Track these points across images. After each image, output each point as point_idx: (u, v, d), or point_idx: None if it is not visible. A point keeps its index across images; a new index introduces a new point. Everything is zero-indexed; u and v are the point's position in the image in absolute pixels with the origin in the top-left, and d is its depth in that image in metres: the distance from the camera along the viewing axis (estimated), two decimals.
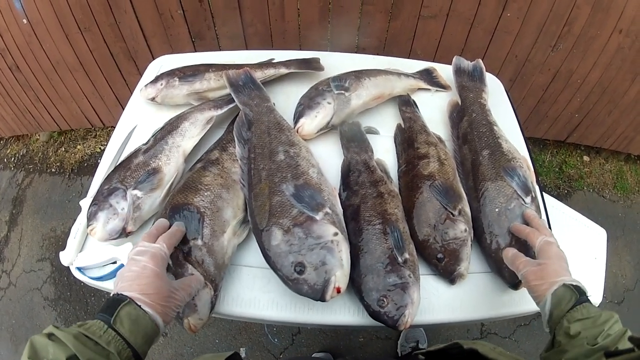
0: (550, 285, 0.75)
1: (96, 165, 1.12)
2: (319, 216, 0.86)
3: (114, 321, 0.61)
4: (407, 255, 0.88)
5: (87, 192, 1.04)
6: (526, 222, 0.94)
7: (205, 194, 0.92)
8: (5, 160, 2.90)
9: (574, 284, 0.74)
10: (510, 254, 0.87)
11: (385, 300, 0.83)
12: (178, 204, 0.90)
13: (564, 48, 2.09)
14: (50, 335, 0.57)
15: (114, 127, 1.22)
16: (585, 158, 2.84)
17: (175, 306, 0.71)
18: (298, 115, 1.13)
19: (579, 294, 0.72)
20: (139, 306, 0.64)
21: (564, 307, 0.72)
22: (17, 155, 2.90)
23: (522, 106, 2.42)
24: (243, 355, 2.06)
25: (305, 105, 1.14)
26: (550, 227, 1.06)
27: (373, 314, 0.84)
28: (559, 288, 0.73)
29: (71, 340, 0.55)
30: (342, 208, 0.97)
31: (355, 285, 0.87)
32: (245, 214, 0.96)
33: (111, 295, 0.67)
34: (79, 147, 2.82)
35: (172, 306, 0.70)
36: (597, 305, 1.17)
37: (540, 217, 0.98)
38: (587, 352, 0.64)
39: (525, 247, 0.91)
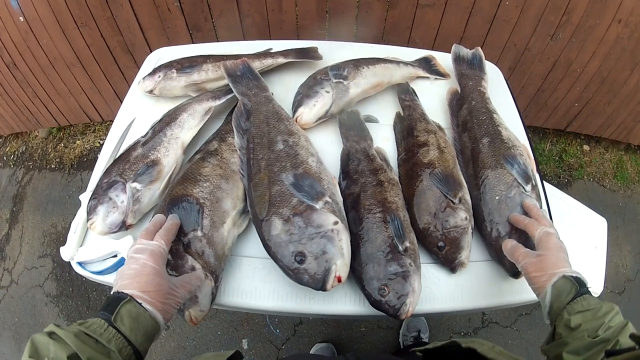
0: (549, 277, 0.75)
1: (96, 159, 1.12)
2: (318, 205, 0.86)
3: (114, 319, 0.61)
4: (407, 244, 0.88)
5: (87, 187, 1.03)
6: (525, 212, 0.94)
7: (205, 184, 0.92)
8: (4, 158, 2.89)
9: (574, 275, 0.74)
10: (510, 246, 0.86)
11: (386, 289, 0.83)
12: (177, 196, 0.90)
13: (562, 37, 2.08)
14: (51, 334, 0.57)
15: (113, 121, 1.21)
16: (585, 147, 2.83)
17: (175, 303, 0.71)
18: (297, 105, 1.13)
19: (579, 285, 0.72)
20: (140, 304, 0.64)
21: (564, 299, 0.71)
22: (16, 152, 2.89)
23: (521, 95, 2.42)
24: (245, 346, 2.07)
25: (304, 94, 1.13)
26: (551, 216, 1.06)
27: (374, 303, 0.84)
28: (558, 280, 0.73)
29: (72, 338, 0.56)
30: (342, 197, 0.96)
31: (356, 274, 0.87)
32: (244, 204, 0.95)
33: (111, 293, 0.67)
34: (78, 142, 2.81)
35: (172, 303, 0.70)
36: (598, 295, 1.17)
37: (541, 206, 0.98)
38: (588, 345, 0.64)
39: (525, 237, 0.91)
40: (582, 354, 0.65)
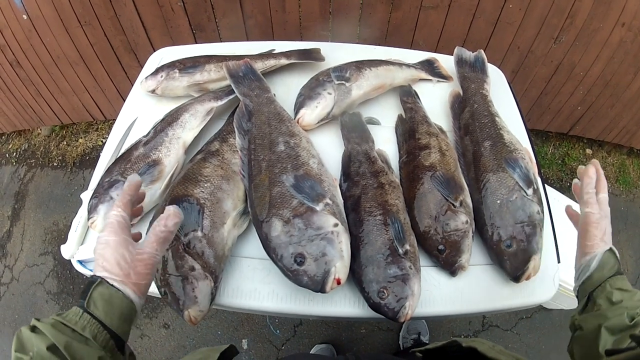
0: (603, 244, 0.74)
1: (98, 158, 1.12)
2: (319, 207, 0.86)
3: (87, 304, 0.59)
4: (407, 247, 0.87)
5: (89, 186, 1.04)
6: None
7: (205, 185, 0.92)
8: (7, 155, 2.90)
9: (617, 254, 0.74)
10: (586, 181, 0.81)
11: (385, 292, 0.82)
12: (178, 196, 0.90)
13: (566, 40, 2.08)
14: (33, 328, 0.56)
15: (116, 120, 1.21)
16: (588, 151, 2.82)
17: (145, 267, 0.64)
18: (298, 106, 1.13)
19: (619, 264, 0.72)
20: (112, 285, 0.61)
21: (606, 272, 0.71)
22: (19, 150, 2.90)
23: (524, 98, 2.41)
24: (245, 347, 2.07)
25: (306, 95, 1.13)
26: (552, 219, 1.05)
27: (373, 306, 0.84)
28: (606, 251, 0.73)
29: (49, 329, 0.55)
30: (343, 199, 0.96)
31: (356, 276, 0.87)
32: (245, 205, 0.95)
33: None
34: (80, 140, 2.82)
35: (140, 271, 0.64)
36: None
37: (543, 209, 0.97)
38: (623, 327, 0.64)
39: (528, 240, 0.91)
40: (616, 334, 0.64)
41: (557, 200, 1.31)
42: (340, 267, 0.81)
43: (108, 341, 0.59)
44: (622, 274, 0.71)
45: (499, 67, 1.42)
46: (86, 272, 0.94)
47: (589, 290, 0.73)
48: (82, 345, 0.56)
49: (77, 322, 0.58)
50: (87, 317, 0.58)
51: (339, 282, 0.80)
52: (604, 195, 0.80)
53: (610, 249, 0.74)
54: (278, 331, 2.11)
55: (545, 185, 1.14)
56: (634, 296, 0.68)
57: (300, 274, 0.81)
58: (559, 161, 2.76)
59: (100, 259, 0.63)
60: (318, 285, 0.80)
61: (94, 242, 0.93)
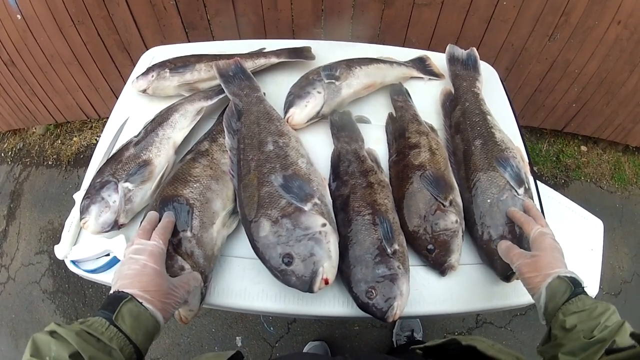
0: (544, 278, 0.74)
1: (92, 156, 1.12)
2: (307, 207, 0.86)
3: (115, 318, 0.62)
4: (396, 246, 0.87)
5: (81, 186, 1.04)
6: (525, 211, 0.94)
7: (195, 185, 0.92)
8: (2, 154, 2.90)
9: (569, 275, 0.73)
10: (504, 246, 0.86)
11: (373, 291, 0.82)
12: (168, 196, 0.90)
13: (560, 38, 2.07)
14: (52, 333, 0.57)
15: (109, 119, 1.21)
16: (583, 148, 2.82)
17: (174, 303, 0.72)
18: (288, 105, 1.12)
19: (574, 285, 0.71)
20: (140, 303, 0.65)
21: (559, 299, 0.71)
22: (14, 149, 2.89)
23: (518, 95, 2.41)
24: (239, 344, 2.07)
25: (295, 94, 1.13)
26: (544, 217, 1.05)
27: (362, 306, 0.84)
28: (553, 280, 0.73)
29: (73, 337, 0.56)
30: (332, 198, 0.96)
31: (344, 276, 0.87)
32: (234, 205, 0.95)
33: (111, 292, 0.67)
34: (75, 139, 2.81)
35: (172, 303, 0.71)
36: (593, 297, 1.17)
37: None
38: (583, 346, 0.64)
39: (519, 240, 0.91)
40: (578, 354, 0.64)
41: (551, 197, 1.31)
42: (328, 267, 0.81)
43: (132, 355, 0.62)
44: (580, 293, 0.70)
45: (492, 65, 1.42)
46: (79, 272, 0.94)
47: (549, 321, 0.73)
48: (106, 357, 0.58)
49: (103, 332, 0.60)
50: (114, 329, 0.61)
51: (327, 282, 0.80)
52: (537, 229, 0.84)
53: (558, 276, 0.73)
54: (272, 328, 2.11)
55: (539, 183, 1.13)
56: (593, 313, 0.67)
57: (288, 274, 0.81)
58: (554, 158, 2.77)
59: (132, 278, 0.68)
60: (306, 285, 0.80)
61: (88, 242, 0.94)
